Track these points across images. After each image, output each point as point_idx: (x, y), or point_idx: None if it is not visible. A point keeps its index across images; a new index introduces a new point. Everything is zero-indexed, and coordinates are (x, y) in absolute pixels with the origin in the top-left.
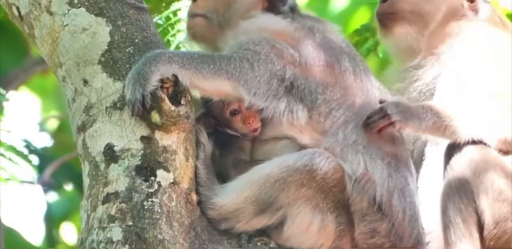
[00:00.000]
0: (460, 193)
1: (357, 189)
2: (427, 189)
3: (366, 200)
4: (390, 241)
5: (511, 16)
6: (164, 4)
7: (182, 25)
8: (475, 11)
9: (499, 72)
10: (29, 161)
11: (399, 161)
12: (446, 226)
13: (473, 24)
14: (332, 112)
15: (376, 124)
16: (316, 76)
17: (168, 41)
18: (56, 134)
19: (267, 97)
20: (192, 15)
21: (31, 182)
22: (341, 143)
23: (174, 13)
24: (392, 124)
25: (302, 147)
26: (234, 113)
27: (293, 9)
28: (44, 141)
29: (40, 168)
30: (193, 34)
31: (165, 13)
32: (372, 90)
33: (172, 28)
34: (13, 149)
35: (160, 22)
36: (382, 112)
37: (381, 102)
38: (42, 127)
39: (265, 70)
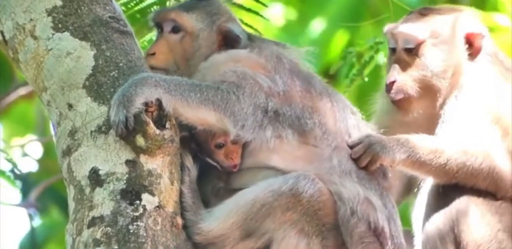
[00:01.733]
0: (440, 212)
1: (357, 213)
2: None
3: (365, 223)
4: None
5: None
6: (148, 27)
7: None
8: (477, 53)
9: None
10: (14, 184)
11: (389, 191)
12: (424, 244)
13: (473, 71)
14: (325, 135)
15: (361, 161)
16: (298, 102)
17: None
18: (40, 159)
19: (254, 128)
20: (151, 68)
21: (16, 205)
22: (337, 170)
23: None
24: (373, 158)
25: (286, 173)
26: (219, 146)
27: (250, 38)
28: (27, 165)
29: (23, 192)
30: None
31: (148, 36)
32: (348, 114)
33: None
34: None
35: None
36: (363, 147)
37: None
38: (23, 152)
39: (250, 102)
